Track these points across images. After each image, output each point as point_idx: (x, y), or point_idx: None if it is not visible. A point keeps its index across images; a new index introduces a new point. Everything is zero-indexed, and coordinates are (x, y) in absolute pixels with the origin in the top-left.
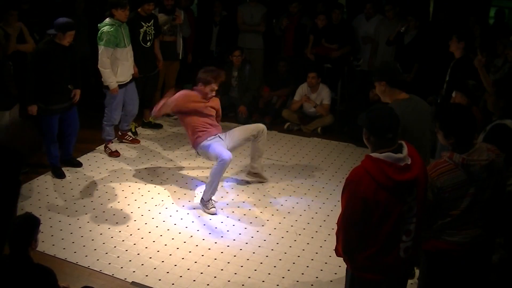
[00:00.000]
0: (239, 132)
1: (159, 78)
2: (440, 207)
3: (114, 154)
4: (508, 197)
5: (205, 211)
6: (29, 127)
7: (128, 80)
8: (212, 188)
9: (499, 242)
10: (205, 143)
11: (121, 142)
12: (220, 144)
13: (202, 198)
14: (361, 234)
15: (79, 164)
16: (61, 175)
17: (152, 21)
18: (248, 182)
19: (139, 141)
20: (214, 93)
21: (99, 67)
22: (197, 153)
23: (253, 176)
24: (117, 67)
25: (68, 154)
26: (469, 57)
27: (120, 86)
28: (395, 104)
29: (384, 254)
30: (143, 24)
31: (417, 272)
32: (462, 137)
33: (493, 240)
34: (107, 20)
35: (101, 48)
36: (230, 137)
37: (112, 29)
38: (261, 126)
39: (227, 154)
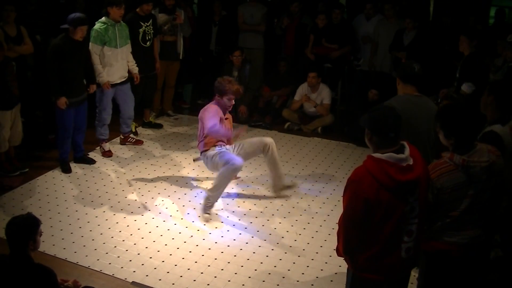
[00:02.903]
0: (247, 145)
1: (158, 78)
2: (440, 208)
3: (107, 154)
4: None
5: (201, 215)
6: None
7: (119, 82)
8: (218, 192)
9: (495, 239)
10: (211, 152)
11: (124, 144)
12: (229, 152)
13: (207, 197)
14: (362, 234)
15: (92, 161)
16: (68, 170)
17: (151, 20)
18: (248, 182)
19: (143, 142)
20: (232, 104)
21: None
22: (198, 158)
23: (280, 191)
24: (104, 66)
25: (80, 150)
26: (479, 53)
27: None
28: (398, 97)
29: (385, 255)
30: (142, 24)
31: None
32: (463, 138)
33: (492, 239)
34: (102, 18)
35: (90, 44)
36: (238, 150)
37: (102, 27)
38: (267, 140)
39: (238, 160)
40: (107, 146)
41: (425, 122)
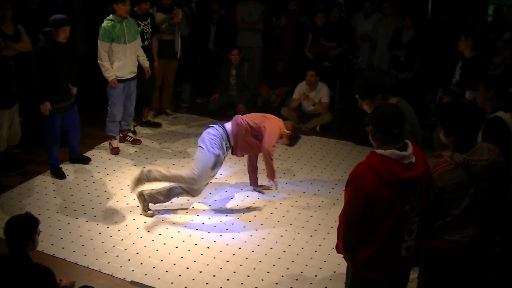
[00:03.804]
0: None
1: (156, 77)
2: (441, 207)
3: (115, 150)
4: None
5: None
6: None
7: (129, 77)
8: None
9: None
10: (215, 149)
11: (122, 142)
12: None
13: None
14: (362, 231)
15: (88, 160)
16: (61, 176)
17: (149, 19)
18: (247, 182)
19: (141, 141)
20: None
21: (97, 60)
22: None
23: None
24: (113, 62)
25: (75, 152)
26: (479, 56)
27: (120, 81)
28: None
29: (385, 253)
30: (140, 23)
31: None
32: (463, 136)
33: (492, 238)
34: (109, 16)
35: (98, 42)
36: None
37: (109, 24)
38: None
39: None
40: (115, 143)
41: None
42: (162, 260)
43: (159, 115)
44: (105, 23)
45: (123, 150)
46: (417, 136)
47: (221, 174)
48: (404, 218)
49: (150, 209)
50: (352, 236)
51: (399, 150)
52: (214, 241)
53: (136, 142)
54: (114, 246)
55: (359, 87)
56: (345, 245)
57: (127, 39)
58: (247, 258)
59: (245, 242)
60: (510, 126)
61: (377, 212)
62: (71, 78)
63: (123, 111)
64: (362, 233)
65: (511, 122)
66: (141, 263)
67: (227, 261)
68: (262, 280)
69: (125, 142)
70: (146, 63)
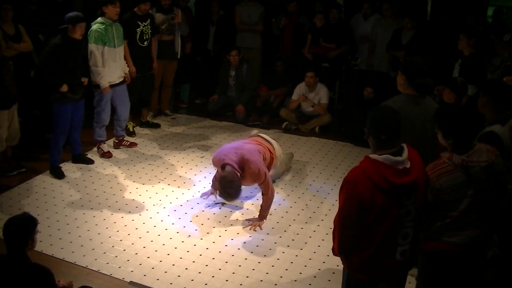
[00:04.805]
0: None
1: (155, 78)
2: (439, 208)
3: (106, 154)
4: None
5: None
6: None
7: (118, 82)
8: None
9: (493, 239)
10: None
11: (118, 148)
12: None
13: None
14: (357, 235)
15: (91, 161)
16: (60, 176)
17: (149, 20)
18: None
19: (137, 144)
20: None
21: (90, 65)
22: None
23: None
24: (103, 66)
25: (77, 147)
26: (478, 54)
27: (110, 86)
28: (399, 97)
29: (380, 257)
30: (140, 23)
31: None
32: (461, 138)
33: (491, 239)
34: (98, 19)
35: (91, 46)
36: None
37: (101, 27)
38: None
39: None
40: (105, 147)
41: (422, 123)
42: (161, 261)
43: (158, 115)
44: (96, 26)
45: (122, 151)
46: (424, 144)
47: None
48: (398, 222)
49: None
50: (347, 240)
51: (394, 154)
52: (213, 242)
53: (132, 145)
54: (113, 246)
55: (409, 58)
56: (340, 248)
57: (116, 43)
58: (246, 259)
59: (244, 243)
60: (505, 141)
61: (371, 217)
62: (82, 71)
63: (118, 116)
64: (357, 237)
65: (507, 137)
66: (140, 264)
67: (226, 262)
68: (261, 281)
69: (121, 147)
70: (126, 69)
